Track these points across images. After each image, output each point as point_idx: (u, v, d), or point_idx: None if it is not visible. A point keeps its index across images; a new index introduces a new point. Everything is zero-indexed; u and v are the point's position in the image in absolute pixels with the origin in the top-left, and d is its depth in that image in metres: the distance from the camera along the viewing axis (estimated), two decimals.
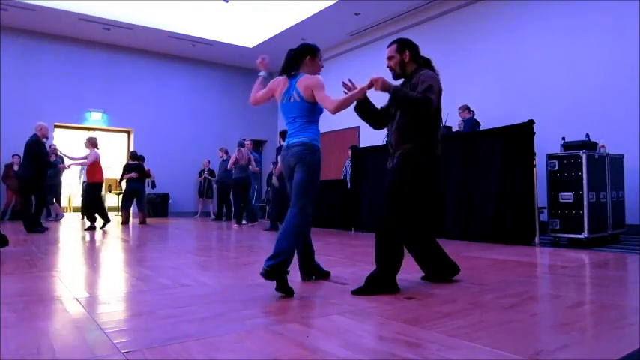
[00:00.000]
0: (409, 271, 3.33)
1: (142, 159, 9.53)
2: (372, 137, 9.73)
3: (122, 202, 9.37)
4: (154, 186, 10.15)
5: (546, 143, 5.89)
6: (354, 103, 2.83)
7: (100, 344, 1.68)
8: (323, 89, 2.72)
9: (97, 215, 7.59)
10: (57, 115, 11.04)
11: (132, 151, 9.81)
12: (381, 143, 7.46)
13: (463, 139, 5.95)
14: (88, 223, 7.60)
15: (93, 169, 7.60)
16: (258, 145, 13.79)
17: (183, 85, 12.96)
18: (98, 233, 6.87)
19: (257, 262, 3.79)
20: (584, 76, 6.97)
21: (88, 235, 6.58)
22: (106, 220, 7.70)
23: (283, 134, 7.49)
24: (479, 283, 2.86)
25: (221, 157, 10.56)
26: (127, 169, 9.28)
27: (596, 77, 6.82)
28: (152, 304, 2.33)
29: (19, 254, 4.31)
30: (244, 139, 8.90)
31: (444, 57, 9.20)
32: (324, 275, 3.05)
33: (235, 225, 8.53)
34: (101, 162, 7.80)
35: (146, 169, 9.54)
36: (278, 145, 7.70)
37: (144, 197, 9.38)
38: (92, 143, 7.77)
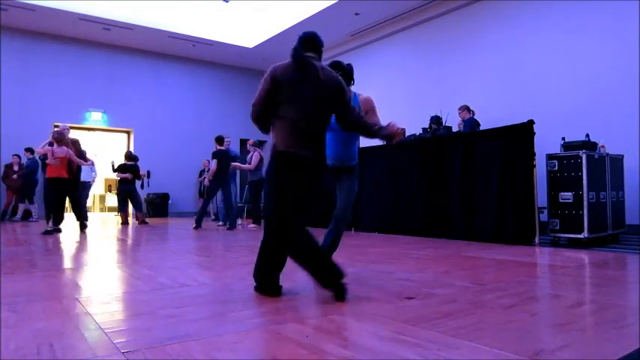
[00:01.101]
0: (409, 271, 3.33)
1: (136, 159, 9.49)
2: None
3: (118, 203, 9.34)
4: (142, 186, 10.08)
5: (546, 143, 5.89)
6: None
7: (100, 344, 1.68)
8: None
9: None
10: (57, 115, 11.03)
11: (127, 152, 9.73)
12: (380, 143, 7.46)
13: (463, 139, 5.95)
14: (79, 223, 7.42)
15: (63, 164, 6.91)
16: (258, 145, 13.79)
17: (183, 85, 12.96)
18: (96, 233, 6.86)
19: None
20: (584, 76, 6.97)
21: (87, 235, 6.58)
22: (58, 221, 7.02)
23: (219, 140, 8.12)
24: (479, 283, 2.86)
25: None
26: (122, 169, 9.21)
27: (597, 77, 6.82)
28: (152, 304, 2.33)
29: (19, 254, 4.31)
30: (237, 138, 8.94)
31: (444, 57, 9.21)
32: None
33: (252, 225, 8.41)
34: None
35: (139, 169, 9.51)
36: (215, 149, 8.06)
37: (137, 197, 9.27)
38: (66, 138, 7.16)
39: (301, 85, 2.55)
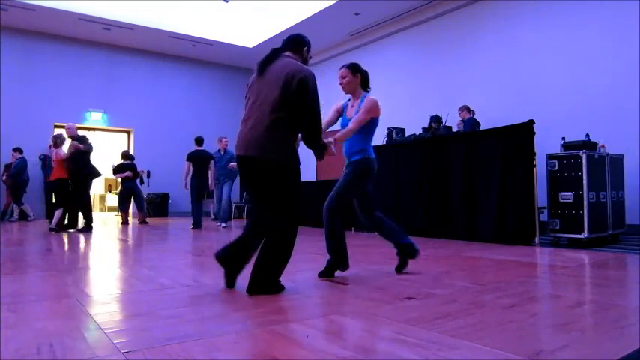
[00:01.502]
0: (410, 270, 3.33)
1: (132, 158, 9.52)
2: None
3: (119, 202, 9.37)
4: (142, 182, 10.13)
5: (546, 143, 5.89)
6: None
7: (100, 344, 1.68)
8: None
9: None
10: (57, 115, 11.03)
11: (124, 151, 9.77)
12: (381, 143, 7.46)
13: (463, 139, 5.95)
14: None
15: (60, 165, 7.27)
16: None
17: (183, 85, 12.96)
18: (96, 233, 6.86)
19: None
20: (584, 75, 6.97)
21: (86, 235, 6.58)
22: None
23: (196, 140, 8.34)
24: (479, 283, 2.86)
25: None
26: (120, 168, 9.24)
27: (597, 77, 6.82)
28: (152, 304, 2.33)
29: (19, 254, 4.31)
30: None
31: (444, 57, 9.21)
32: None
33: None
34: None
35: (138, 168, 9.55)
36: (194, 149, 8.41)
37: (140, 197, 9.32)
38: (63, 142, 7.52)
39: (253, 85, 2.67)
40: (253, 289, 2.53)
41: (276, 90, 2.49)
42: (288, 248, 2.57)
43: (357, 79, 3.17)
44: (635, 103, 6.35)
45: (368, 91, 3.26)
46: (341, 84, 3.17)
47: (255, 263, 2.57)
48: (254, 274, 2.55)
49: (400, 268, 3.27)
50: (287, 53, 2.69)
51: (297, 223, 2.61)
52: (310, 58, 2.89)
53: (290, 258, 2.62)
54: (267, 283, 2.55)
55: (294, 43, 2.73)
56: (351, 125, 3.04)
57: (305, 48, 2.76)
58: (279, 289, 2.58)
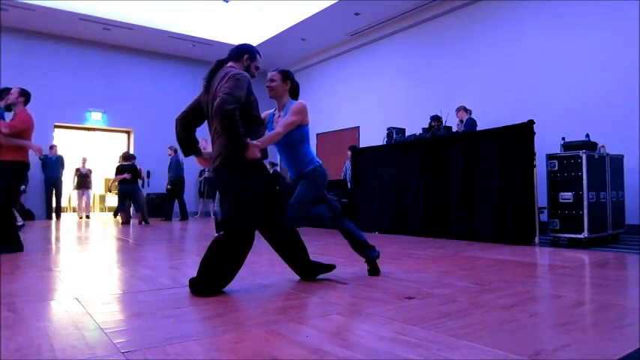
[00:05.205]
0: (409, 270, 3.33)
1: (133, 158, 9.54)
2: (372, 137, 9.73)
3: (118, 203, 9.40)
4: (143, 185, 10.17)
5: (546, 143, 5.89)
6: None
7: (100, 344, 1.68)
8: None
9: None
10: (57, 115, 11.03)
11: (124, 152, 9.83)
12: (381, 143, 7.46)
13: (463, 139, 5.95)
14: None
15: None
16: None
17: (183, 85, 12.95)
18: (96, 233, 6.86)
19: (256, 262, 3.79)
20: (584, 76, 6.97)
21: (86, 235, 6.58)
22: None
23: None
24: (479, 283, 2.86)
25: (169, 155, 10.64)
26: (119, 170, 9.26)
27: (596, 77, 6.81)
28: (152, 304, 2.33)
29: (19, 254, 4.31)
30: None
31: (444, 57, 9.21)
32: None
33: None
34: None
35: (138, 168, 9.56)
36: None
37: (139, 198, 9.32)
38: None
39: (202, 101, 2.94)
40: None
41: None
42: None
43: (286, 86, 2.99)
44: (635, 104, 6.34)
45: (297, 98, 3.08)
46: (268, 87, 2.98)
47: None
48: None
49: (372, 272, 3.17)
50: (229, 64, 2.71)
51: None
52: (257, 68, 2.80)
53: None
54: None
55: (235, 52, 2.76)
56: (278, 128, 2.82)
57: (245, 56, 2.73)
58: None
